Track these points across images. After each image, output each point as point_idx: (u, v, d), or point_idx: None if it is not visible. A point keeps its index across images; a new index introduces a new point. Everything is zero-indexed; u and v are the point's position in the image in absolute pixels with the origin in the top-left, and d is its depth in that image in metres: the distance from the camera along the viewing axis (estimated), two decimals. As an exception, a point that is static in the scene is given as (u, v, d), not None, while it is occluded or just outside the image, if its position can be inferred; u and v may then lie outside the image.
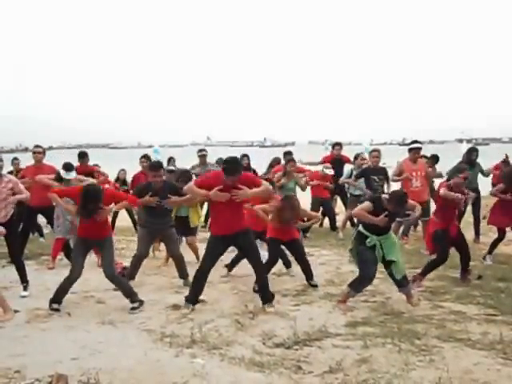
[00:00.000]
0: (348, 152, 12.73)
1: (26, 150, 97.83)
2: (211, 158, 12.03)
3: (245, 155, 12.03)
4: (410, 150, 9.67)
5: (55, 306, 6.36)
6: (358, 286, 6.44)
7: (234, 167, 6.06)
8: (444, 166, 9.29)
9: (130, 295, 6.53)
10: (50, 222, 8.88)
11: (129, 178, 11.70)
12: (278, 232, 7.38)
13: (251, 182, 6.25)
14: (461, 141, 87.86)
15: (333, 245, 10.38)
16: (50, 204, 8.14)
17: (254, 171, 11.01)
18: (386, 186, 9.84)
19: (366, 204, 6.38)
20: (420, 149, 9.72)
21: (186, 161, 12.68)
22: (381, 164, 10.44)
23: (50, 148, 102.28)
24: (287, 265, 8.10)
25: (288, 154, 11.40)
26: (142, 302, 6.52)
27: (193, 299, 6.44)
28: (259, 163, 12.95)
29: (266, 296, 6.44)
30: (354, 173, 10.61)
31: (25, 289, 7.14)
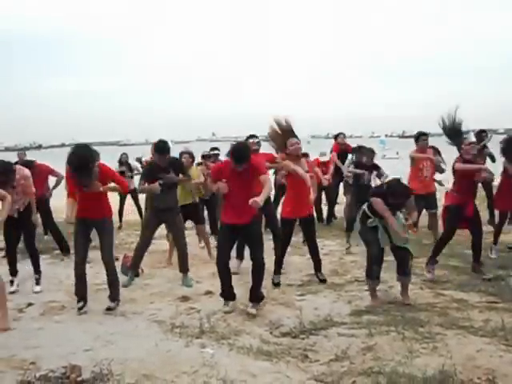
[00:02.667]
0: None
1: (39, 147, 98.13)
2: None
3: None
4: (417, 139, 9.56)
5: (80, 304, 6.26)
6: (367, 271, 6.39)
7: (242, 155, 5.92)
8: (446, 158, 9.26)
9: (116, 290, 6.44)
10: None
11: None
12: (291, 211, 7.22)
13: (259, 169, 6.11)
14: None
15: (336, 235, 10.42)
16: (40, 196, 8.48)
17: None
18: (373, 181, 9.66)
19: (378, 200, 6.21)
20: (426, 135, 9.62)
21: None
22: (381, 156, 10.44)
23: (63, 145, 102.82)
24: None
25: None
26: (118, 303, 6.39)
27: (227, 294, 6.33)
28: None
29: (256, 295, 6.24)
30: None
31: (37, 282, 7.23)
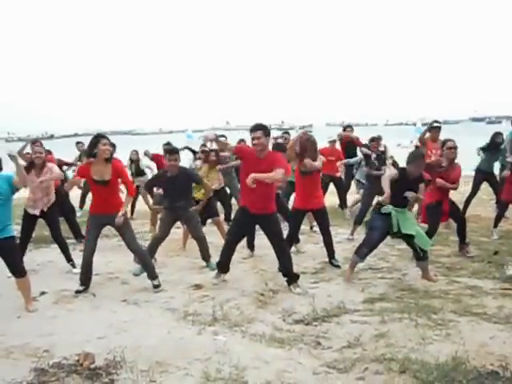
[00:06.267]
0: (364, 133, 12.68)
1: (51, 137, 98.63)
2: (232, 140, 11.95)
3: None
4: (431, 129, 9.64)
5: (80, 288, 6.47)
6: (359, 249, 6.67)
7: (257, 124, 6.32)
8: (461, 146, 9.20)
9: (151, 270, 6.66)
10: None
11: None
12: (303, 202, 7.41)
13: (275, 162, 6.22)
14: (475, 119, 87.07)
15: (350, 224, 10.40)
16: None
17: None
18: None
19: (394, 171, 6.58)
20: (440, 128, 9.69)
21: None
22: (396, 145, 10.45)
23: (76, 134, 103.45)
24: (295, 241, 8.10)
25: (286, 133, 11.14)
26: (158, 279, 6.67)
27: (223, 266, 6.74)
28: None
29: (291, 277, 6.49)
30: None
31: (73, 266, 7.48)
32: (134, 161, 12.30)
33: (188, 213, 7.50)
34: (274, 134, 8.89)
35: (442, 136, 9.32)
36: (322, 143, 12.13)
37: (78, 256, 7.26)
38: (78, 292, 6.43)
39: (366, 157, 9.72)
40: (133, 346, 4.77)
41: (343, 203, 11.78)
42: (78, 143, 12.87)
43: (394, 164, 9.43)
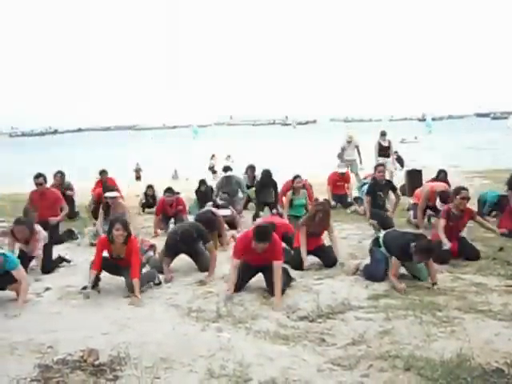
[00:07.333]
0: (369, 129, 12.73)
1: (55, 132, 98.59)
2: (236, 136, 11.96)
3: (251, 167, 12.80)
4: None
5: (89, 284, 6.36)
6: (367, 277, 6.60)
7: (264, 235, 6.06)
8: (466, 142, 9.15)
9: (153, 277, 6.71)
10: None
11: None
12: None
13: (274, 253, 6.17)
14: (480, 115, 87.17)
15: (354, 219, 10.42)
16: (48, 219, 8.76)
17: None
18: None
19: (396, 262, 6.37)
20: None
21: (211, 141, 12.79)
22: (399, 140, 10.45)
23: (79, 130, 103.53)
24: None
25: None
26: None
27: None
28: (282, 142, 13.02)
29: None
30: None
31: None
32: (149, 196, 12.36)
33: (196, 247, 7.34)
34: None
35: (446, 135, 9.28)
36: (324, 138, 12.17)
37: (81, 252, 7.25)
38: (84, 288, 6.36)
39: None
40: (137, 343, 4.77)
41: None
42: (57, 173, 11.84)
43: (399, 159, 9.41)
